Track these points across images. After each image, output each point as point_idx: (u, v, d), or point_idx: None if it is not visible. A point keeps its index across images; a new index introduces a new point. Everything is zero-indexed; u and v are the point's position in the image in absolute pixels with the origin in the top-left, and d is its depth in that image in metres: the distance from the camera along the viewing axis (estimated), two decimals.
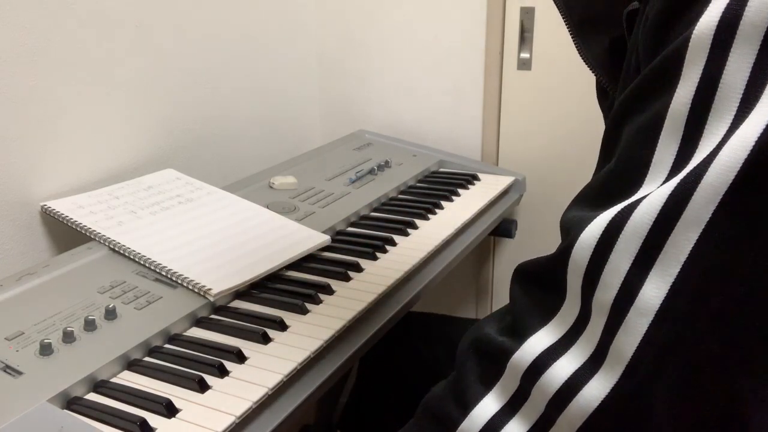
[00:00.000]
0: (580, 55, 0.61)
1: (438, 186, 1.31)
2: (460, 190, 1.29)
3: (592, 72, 0.61)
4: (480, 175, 1.38)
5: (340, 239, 1.06)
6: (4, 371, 0.68)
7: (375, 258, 1.00)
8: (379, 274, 0.95)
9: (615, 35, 0.58)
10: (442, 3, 1.49)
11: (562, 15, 0.61)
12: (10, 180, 0.98)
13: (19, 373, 0.68)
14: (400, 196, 1.27)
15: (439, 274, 1.01)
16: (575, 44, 0.61)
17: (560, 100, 1.42)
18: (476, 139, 1.53)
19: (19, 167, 0.99)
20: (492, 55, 1.47)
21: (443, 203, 1.22)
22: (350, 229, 1.12)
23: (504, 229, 1.35)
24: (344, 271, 0.93)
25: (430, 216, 1.16)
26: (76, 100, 1.07)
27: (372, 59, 1.60)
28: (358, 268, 0.95)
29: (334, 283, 0.91)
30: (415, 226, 1.12)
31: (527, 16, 1.42)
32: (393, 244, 1.05)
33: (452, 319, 1.16)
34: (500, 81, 1.48)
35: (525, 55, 1.45)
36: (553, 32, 1.40)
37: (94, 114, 1.10)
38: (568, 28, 0.61)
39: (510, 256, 1.56)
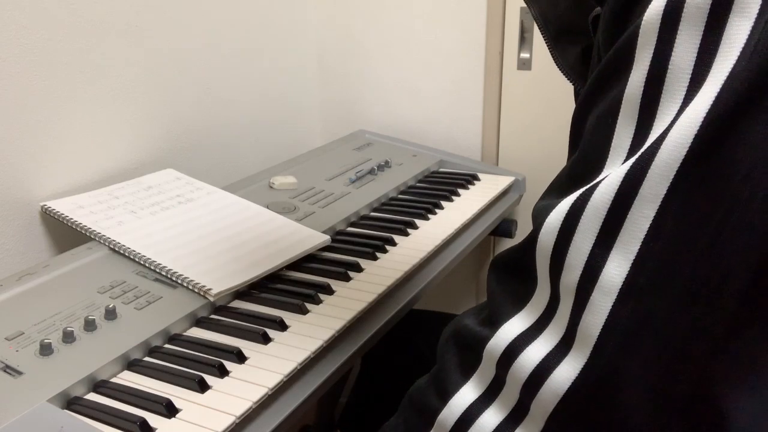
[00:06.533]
0: (557, 65, 0.63)
1: (438, 186, 1.31)
2: (460, 190, 1.29)
3: (569, 80, 0.63)
4: (480, 175, 1.38)
5: (340, 239, 1.06)
6: (4, 371, 0.68)
7: (375, 258, 1.00)
8: (379, 274, 0.95)
9: (586, 44, 0.59)
10: (442, 3, 1.49)
11: (539, 28, 0.63)
12: (10, 180, 0.98)
13: (19, 373, 0.68)
14: (400, 196, 1.27)
15: (439, 274, 1.01)
16: (552, 56, 0.63)
17: (560, 100, 1.42)
18: (476, 139, 1.53)
19: (19, 167, 0.99)
20: (492, 55, 1.47)
21: (443, 203, 1.22)
22: (350, 229, 1.12)
23: (504, 229, 1.35)
24: (344, 271, 0.93)
25: (430, 216, 1.16)
26: (76, 100, 1.07)
27: (372, 59, 1.60)
28: (358, 268, 0.95)
29: (334, 283, 0.91)
30: (415, 226, 1.12)
31: (527, 16, 1.42)
32: (393, 244, 1.05)
33: (455, 317, 1.17)
34: (500, 81, 1.48)
35: (525, 55, 1.45)
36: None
37: (94, 114, 1.10)
38: (545, 40, 0.63)
39: None
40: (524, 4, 1.41)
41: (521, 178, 1.39)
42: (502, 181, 1.35)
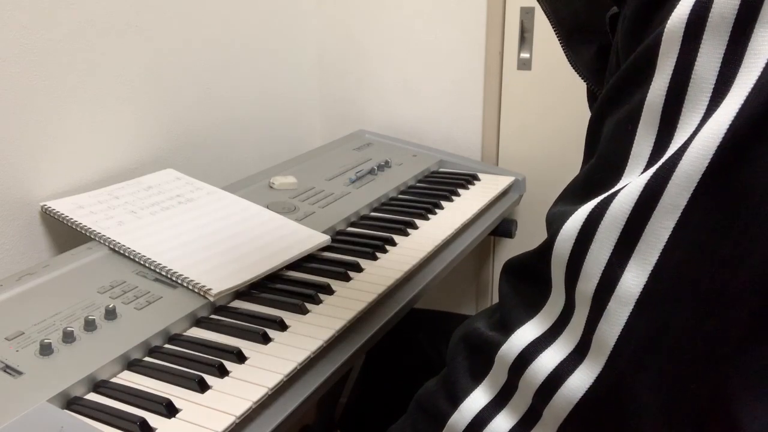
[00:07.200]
0: (571, 64, 0.63)
1: (438, 186, 1.31)
2: (460, 190, 1.29)
3: (582, 79, 0.62)
4: (480, 175, 1.38)
5: (340, 239, 1.06)
6: (4, 371, 0.68)
7: (375, 258, 1.00)
8: (379, 274, 0.95)
9: (602, 43, 0.59)
10: (442, 3, 1.49)
11: (552, 26, 0.62)
12: (10, 180, 0.98)
13: (19, 373, 0.68)
14: (400, 196, 1.27)
15: (439, 274, 1.01)
16: (566, 54, 0.62)
17: (560, 100, 1.42)
18: (476, 139, 1.53)
19: (19, 167, 0.99)
20: (492, 55, 1.47)
21: (443, 203, 1.22)
22: (350, 229, 1.12)
23: (504, 229, 1.35)
24: (344, 271, 0.93)
25: (430, 216, 1.16)
26: (76, 100, 1.07)
27: (372, 59, 1.60)
28: (358, 268, 0.95)
29: (334, 283, 0.91)
30: (415, 226, 1.12)
31: (527, 16, 1.42)
32: (393, 244, 1.05)
33: (456, 316, 1.17)
34: (500, 81, 1.48)
35: (525, 55, 1.45)
36: (553, 32, 1.40)
37: (94, 114, 1.10)
38: (558, 38, 0.62)
39: (510, 256, 1.56)
40: (525, 4, 1.42)
41: (521, 178, 1.39)
42: (502, 181, 1.35)
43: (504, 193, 1.34)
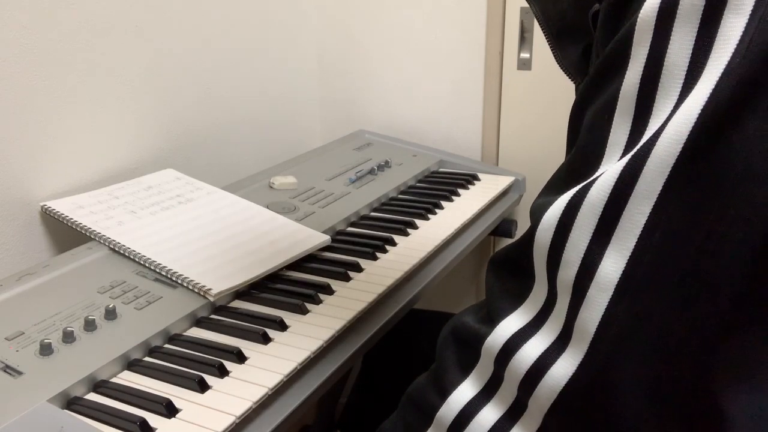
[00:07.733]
0: (558, 64, 0.63)
1: (438, 186, 1.31)
2: (460, 190, 1.29)
3: (571, 79, 0.63)
4: (480, 175, 1.38)
5: (340, 239, 1.06)
6: (4, 371, 0.68)
7: (375, 258, 1.00)
8: (379, 274, 0.95)
9: (588, 42, 0.60)
10: (442, 3, 1.49)
11: (541, 26, 0.63)
12: (10, 180, 0.98)
13: (19, 373, 0.68)
14: (400, 196, 1.27)
15: (439, 274, 1.01)
16: (554, 54, 0.63)
17: (560, 100, 1.42)
18: (476, 139, 1.54)
19: (19, 167, 0.99)
20: (492, 55, 1.47)
21: (443, 203, 1.22)
22: (350, 229, 1.12)
23: (504, 229, 1.35)
24: (344, 271, 0.93)
25: (430, 216, 1.16)
26: (76, 100, 1.07)
27: (372, 59, 1.60)
28: (358, 268, 0.95)
29: (334, 283, 0.91)
30: (415, 226, 1.12)
31: (527, 16, 1.42)
32: (393, 244, 1.05)
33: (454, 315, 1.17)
34: (500, 81, 1.48)
35: (525, 55, 1.45)
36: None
37: (94, 114, 1.10)
38: (546, 38, 0.63)
39: None
40: (524, 4, 1.42)
41: (521, 178, 1.39)
42: (502, 181, 1.35)
43: (504, 193, 1.34)
